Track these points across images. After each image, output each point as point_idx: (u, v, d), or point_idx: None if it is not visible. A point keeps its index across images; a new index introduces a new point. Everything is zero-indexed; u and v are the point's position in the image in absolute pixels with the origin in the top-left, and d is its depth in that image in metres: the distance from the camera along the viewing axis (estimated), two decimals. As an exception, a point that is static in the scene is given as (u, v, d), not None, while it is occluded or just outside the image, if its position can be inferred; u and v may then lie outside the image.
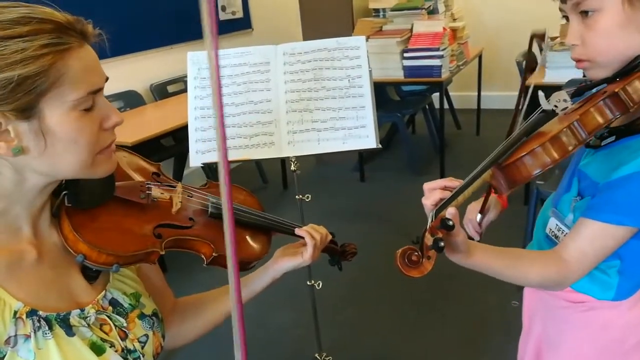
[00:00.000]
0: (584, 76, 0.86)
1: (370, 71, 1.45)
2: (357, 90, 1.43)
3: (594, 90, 0.82)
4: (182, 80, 3.44)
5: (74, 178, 0.72)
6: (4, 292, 0.67)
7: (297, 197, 1.50)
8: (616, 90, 0.72)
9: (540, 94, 0.85)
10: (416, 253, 0.69)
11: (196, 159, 1.40)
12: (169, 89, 3.42)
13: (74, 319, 0.73)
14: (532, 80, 3.05)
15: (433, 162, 3.70)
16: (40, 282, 0.72)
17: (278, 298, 2.39)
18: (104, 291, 0.80)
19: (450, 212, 0.73)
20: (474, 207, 1.04)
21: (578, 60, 0.81)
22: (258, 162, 3.67)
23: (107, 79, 0.72)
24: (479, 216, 1.00)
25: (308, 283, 1.63)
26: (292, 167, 1.45)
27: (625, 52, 0.76)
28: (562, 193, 0.93)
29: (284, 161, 3.50)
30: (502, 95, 4.60)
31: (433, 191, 0.82)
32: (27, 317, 0.68)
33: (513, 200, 3.15)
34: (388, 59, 3.31)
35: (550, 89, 0.83)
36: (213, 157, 1.40)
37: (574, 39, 0.79)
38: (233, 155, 1.39)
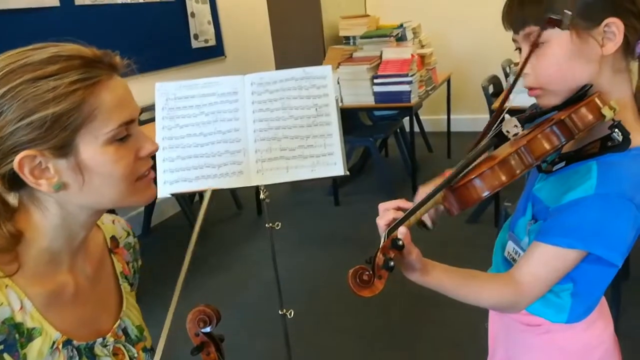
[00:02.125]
0: None
1: (337, 99, 1.48)
2: (324, 118, 1.45)
3: (543, 118, 0.85)
4: (153, 108, 3.44)
5: (116, 207, 0.74)
6: (46, 322, 0.70)
7: (266, 225, 1.50)
8: (562, 117, 0.75)
9: (507, 116, 0.88)
10: (367, 272, 0.70)
11: (164, 189, 1.39)
12: (141, 117, 3.41)
13: (97, 348, 0.76)
14: (498, 104, 3.15)
15: (406, 184, 3.75)
16: (75, 312, 0.75)
17: (250, 327, 2.36)
18: (119, 320, 0.83)
19: (401, 231, 0.74)
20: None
21: (530, 89, 0.84)
22: (232, 189, 3.66)
23: (141, 111, 0.74)
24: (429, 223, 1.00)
25: (280, 312, 1.62)
26: (262, 196, 1.46)
27: (574, 80, 0.80)
28: (518, 217, 0.95)
29: (258, 187, 3.49)
30: (470, 118, 4.72)
31: (387, 211, 0.83)
32: (62, 347, 0.71)
33: (484, 222, 3.21)
34: (359, 85, 3.38)
35: (516, 112, 0.86)
36: (181, 187, 1.40)
37: (526, 68, 0.82)
38: (201, 185, 1.39)
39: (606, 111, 0.75)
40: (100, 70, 0.67)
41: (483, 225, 3.14)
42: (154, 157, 1.39)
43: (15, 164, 0.64)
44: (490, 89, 3.32)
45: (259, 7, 4.07)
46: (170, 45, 3.70)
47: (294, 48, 3.72)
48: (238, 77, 1.47)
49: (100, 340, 0.77)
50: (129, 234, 0.93)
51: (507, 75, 3.52)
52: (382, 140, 4.40)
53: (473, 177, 0.74)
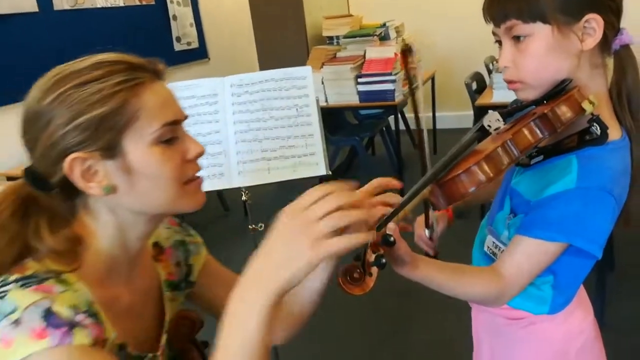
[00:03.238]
0: None
1: (317, 99, 1.47)
2: (305, 119, 1.45)
3: (523, 112, 0.86)
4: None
5: (167, 213, 0.74)
6: (107, 320, 0.67)
7: (250, 227, 1.49)
8: (545, 111, 0.75)
9: (489, 111, 0.88)
10: (358, 270, 0.69)
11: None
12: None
13: None
14: (481, 100, 3.17)
15: (393, 183, 3.76)
16: (129, 322, 0.74)
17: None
18: (165, 335, 0.81)
19: (390, 227, 0.74)
20: (420, 223, 1.05)
21: (510, 82, 0.85)
22: (219, 191, 3.64)
23: (186, 116, 0.74)
24: (426, 231, 1.01)
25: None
26: (244, 197, 1.45)
27: (554, 75, 0.81)
28: (496, 211, 0.96)
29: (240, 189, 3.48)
30: (455, 115, 4.74)
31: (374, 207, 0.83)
32: (119, 350, 0.69)
33: (471, 217, 3.22)
34: (343, 84, 3.38)
35: (499, 108, 0.86)
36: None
37: (506, 62, 0.83)
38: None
39: (586, 105, 0.76)
40: (143, 73, 0.69)
41: (470, 220, 3.15)
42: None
43: (65, 167, 0.66)
44: (474, 86, 3.34)
45: (242, 9, 4.05)
46: (152, 49, 3.66)
47: (278, 49, 3.71)
48: (217, 79, 1.46)
49: (149, 355, 0.76)
50: (176, 232, 0.91)
51: (490, 72, 3.54)
52: (369, 138, 4.41)
53: (460, 172, 0.74)
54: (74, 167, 0.66)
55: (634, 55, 0.83)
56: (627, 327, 2.05)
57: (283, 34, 3.71)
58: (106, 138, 0.66)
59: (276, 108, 1.45)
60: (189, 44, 4.07)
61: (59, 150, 0.66)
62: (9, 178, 2.39)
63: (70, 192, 0.69)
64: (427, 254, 1.02)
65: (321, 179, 3.60)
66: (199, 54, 4.19)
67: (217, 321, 0.89)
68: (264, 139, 1.42)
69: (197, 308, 0.91)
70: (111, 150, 0.67)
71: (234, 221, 3.58)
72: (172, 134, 0.70)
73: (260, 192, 1.48)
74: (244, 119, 1.43)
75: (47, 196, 0.70)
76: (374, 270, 0.69)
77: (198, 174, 0.75)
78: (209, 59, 4.30)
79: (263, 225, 1.50)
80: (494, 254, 0.94)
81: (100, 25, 3.25)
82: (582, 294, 0.97)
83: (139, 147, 0.67)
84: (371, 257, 0.69)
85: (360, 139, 3.73)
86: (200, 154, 0.74)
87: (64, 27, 3.03)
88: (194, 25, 4.13)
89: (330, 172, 1.40)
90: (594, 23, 0.77)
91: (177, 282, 0.89)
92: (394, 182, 0.72)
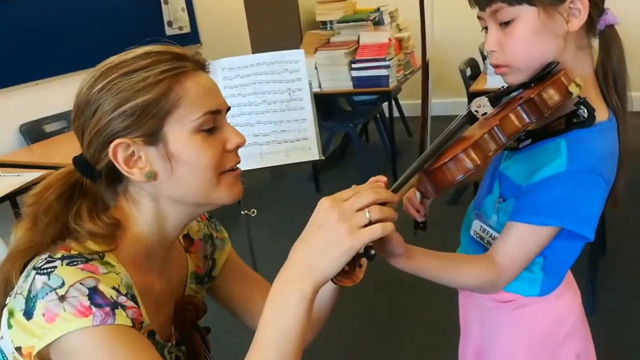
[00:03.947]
0: None
1: (310, 83, 1.46)
2: (297, 103, 1.43)
3: (511, 96, 0.85)
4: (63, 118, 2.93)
5: (205, 204, 0.74)
6: (142, 305, 0.69)
7: (242, 212, 1.49)
8: (532, 96, 0.75)
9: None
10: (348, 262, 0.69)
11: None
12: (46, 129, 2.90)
13: (166, 351, 0.77)
14: (475, 86, 3.15)
15: (387, 169, 3.76)
16: (157, 310, 0.75)
17: (230, 319, 2.35)
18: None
19: None
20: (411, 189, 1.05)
21: (496, 66, 0.84)
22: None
23: (228, 107, 0.76)
24: (418, 194, 1.01)
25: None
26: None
27: (540, 57, 0.80)
28: (483, 196, 0.96)
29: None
30: (449, 101, 4.73)
31: None
32: (148, 336, 0.70)
33: (465, 203, 3.22)
34: (337, 70, 3.35)
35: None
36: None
37: (493, 45, 0.82)
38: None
39: (573, 88, 0.76)
40: (187, 62, 0.70)
41: (464, 206, 3.15)
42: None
43: (110, 152, 0.68)
44: (468, 72, 3.33)
45: (234, -7, 4.00)
46: (143, 33, 3.55)
47: (271, 34, 3.67)
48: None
49: (169, 344, 0.78)
50: (205, 225, 0.92)
51: (484, 58, 3.52)
52: (363, 125, 4.39)
53: (447, 160, 0.74)
54: (117, 152, 0.68)
55: (619, 35, 0.83)
56: (619, 311, 2.06)
57: (276, 18, 3.67)
58: (149, 124, 0.67)
59: (268, 92, 1.43)
60: (180, 28, 4.02)
61: (105, 137, 0.68)
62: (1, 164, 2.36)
63: (114, 179, 0.72)
64: (415, 222, 1.01)
65: (314, 165, 3.59)
66: (191, 38, 4.14)
67: (232, 316, 0.89)
68: (256, 123, 1.41)
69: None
70: (154, 136, 0.68)
71: (227, 206, 3.56)
72: (213, 123, 0.71)
73: (253, 177, 1.47)
74: (235, 103, 1.42)
75: (93, 183, 0.72)
76: (364, 261, 0.69)
77: (237, 166, 0.75)
78: (201, 44, 4.26)
79: (255, 211, 1.49)
80: (482, 238, 0.95)
81: (90, 9, 3.20)
82: (569, 277, 0.98)
83: (180, 135, 0.69)
84: (361, 249, 0.69)
85: (354, 125, 3.71)
86: (241, 145, 0.75)
87: (54, 11, 2.98)
88: (186, 9, 4.07)
89: (323, 157, 1.39)
90: (579, 4, 0.77)
91: (203, 275, 0.90)
92: (382, 180, 0.72)
